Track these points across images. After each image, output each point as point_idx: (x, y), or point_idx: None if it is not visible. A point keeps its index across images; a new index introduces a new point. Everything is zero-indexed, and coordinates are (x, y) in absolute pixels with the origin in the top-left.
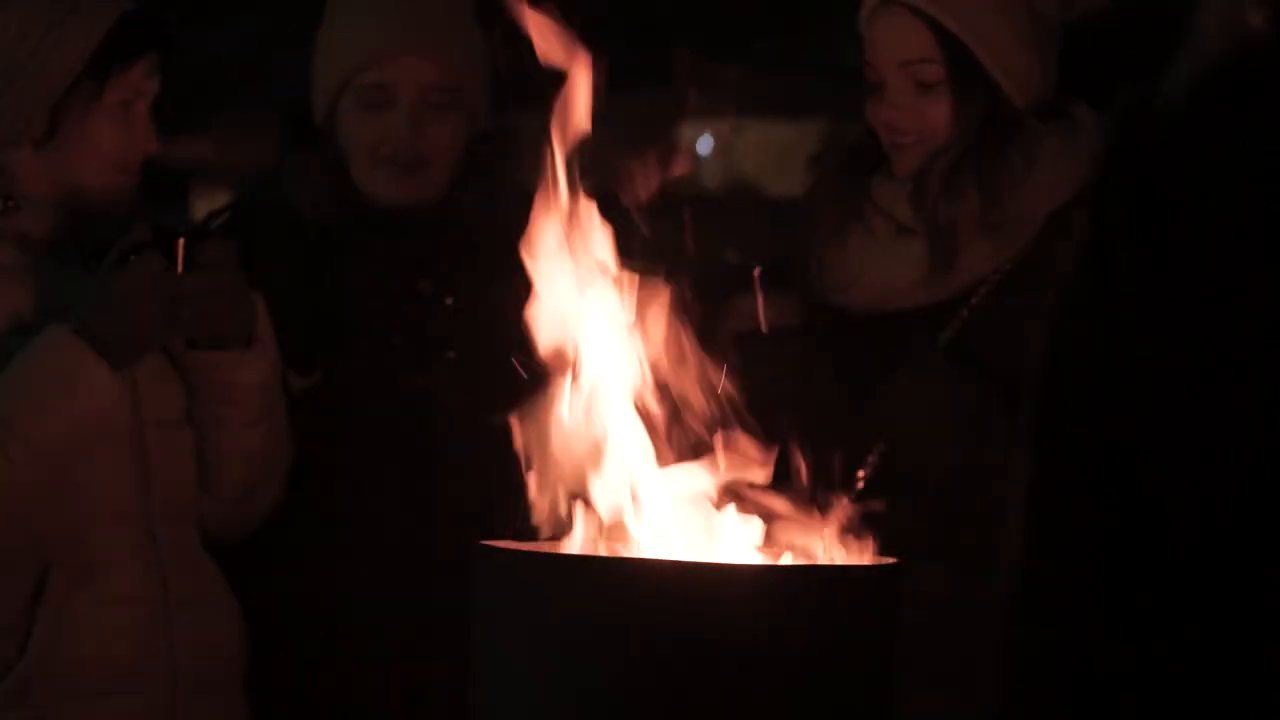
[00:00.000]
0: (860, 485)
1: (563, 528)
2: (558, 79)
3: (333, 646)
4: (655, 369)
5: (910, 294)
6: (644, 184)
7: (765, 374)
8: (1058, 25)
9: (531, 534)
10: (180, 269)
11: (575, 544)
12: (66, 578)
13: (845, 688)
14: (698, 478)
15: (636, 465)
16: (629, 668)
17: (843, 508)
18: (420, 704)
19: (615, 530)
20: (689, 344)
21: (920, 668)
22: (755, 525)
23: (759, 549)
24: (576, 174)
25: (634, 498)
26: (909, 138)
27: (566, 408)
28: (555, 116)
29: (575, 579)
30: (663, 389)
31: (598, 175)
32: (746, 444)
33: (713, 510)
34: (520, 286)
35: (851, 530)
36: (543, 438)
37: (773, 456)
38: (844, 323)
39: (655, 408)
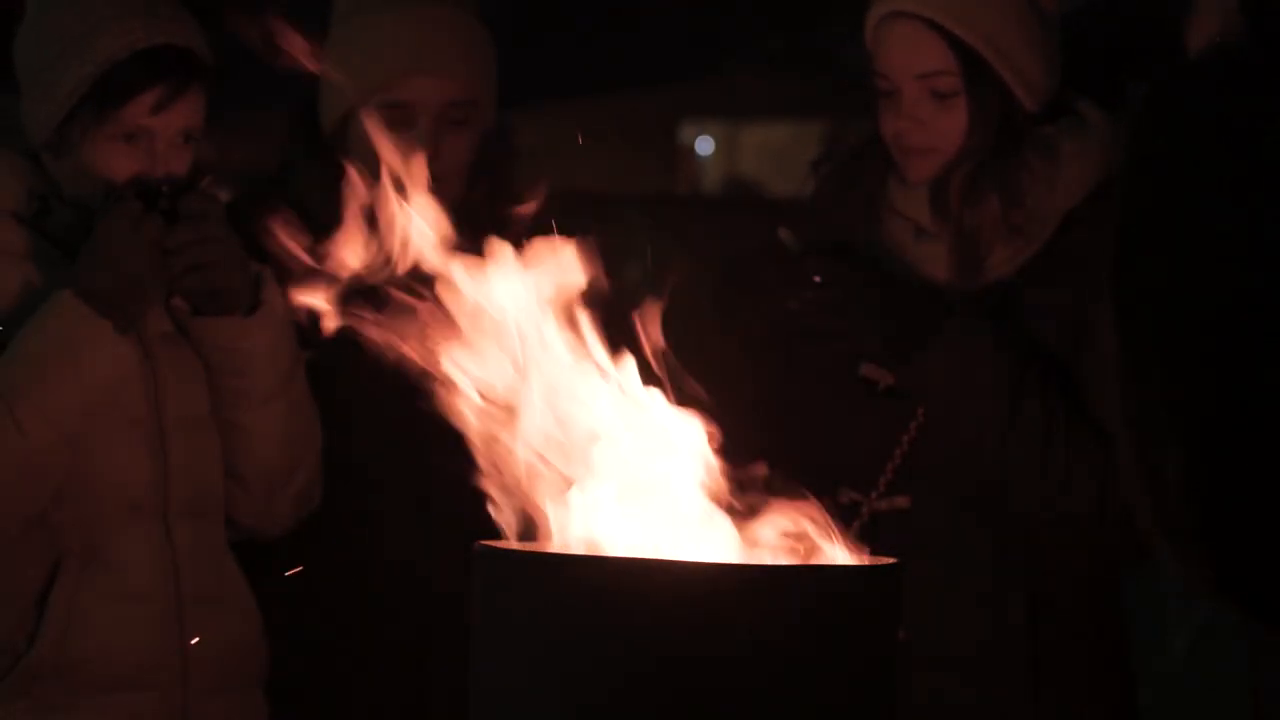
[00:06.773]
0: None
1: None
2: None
3: (333, 647)
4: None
5: None
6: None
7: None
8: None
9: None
10: (165, 221)
11: (575, 544)
12: (78, 570)
13: (845, 688)
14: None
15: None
16: (629, 667)
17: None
18: (421, 704)
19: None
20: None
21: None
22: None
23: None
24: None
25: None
26: (922, 146)
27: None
28: None
29: (575, 579)
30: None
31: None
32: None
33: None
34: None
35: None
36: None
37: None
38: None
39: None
